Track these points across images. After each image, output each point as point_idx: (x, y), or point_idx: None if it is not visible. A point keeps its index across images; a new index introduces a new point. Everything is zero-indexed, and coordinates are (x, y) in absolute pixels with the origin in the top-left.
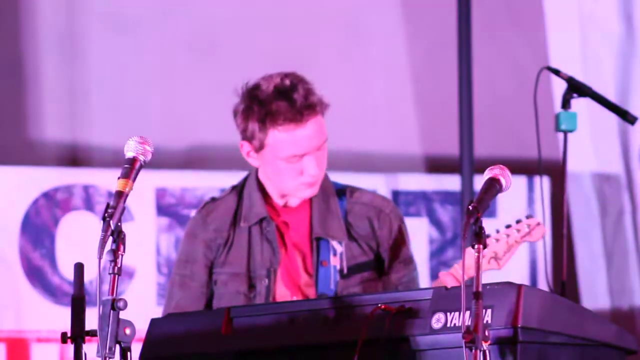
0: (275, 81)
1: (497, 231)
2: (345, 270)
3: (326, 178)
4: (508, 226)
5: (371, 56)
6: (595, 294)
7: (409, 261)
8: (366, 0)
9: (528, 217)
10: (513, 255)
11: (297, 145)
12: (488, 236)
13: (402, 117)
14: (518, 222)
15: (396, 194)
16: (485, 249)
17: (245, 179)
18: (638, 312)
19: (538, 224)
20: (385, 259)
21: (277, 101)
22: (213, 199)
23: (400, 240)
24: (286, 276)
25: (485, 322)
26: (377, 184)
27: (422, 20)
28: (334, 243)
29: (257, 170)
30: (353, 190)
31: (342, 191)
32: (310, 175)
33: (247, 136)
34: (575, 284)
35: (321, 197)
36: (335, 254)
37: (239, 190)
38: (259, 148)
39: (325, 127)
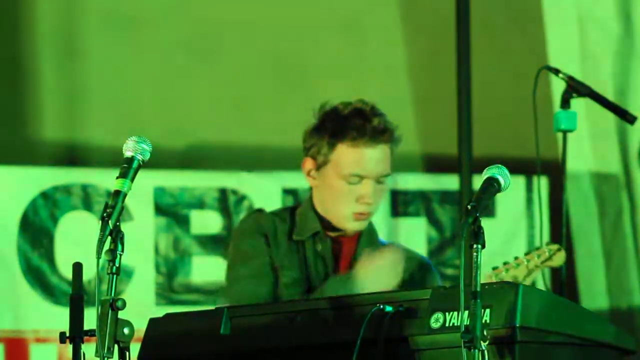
0: (355, 105)
1: (516, 258)
2: None
3: (373, 227)
4: (527, 253)
5: (370, 56)
6: (594, 293)
7: None
8: (365, 0)
9: (548, 243)
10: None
11: (362, 164)
12: (507, 263)
13: (401, 116)
14: (538, 248)
15: (395, 193)
16: (504, 273)
17: (298, 203)
18: (637, 312)
19: (559, 249)
20: None
21: (354, 119)
22: (259, 210)
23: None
24: None
25: (483, 321)
26: None
27: (420, 19)
28: None
29: (311, 196)
30: (393, 245)
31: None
32: (365, 201)
33: (312, 152)
34: (574, 284)
35: (368, 237)
36: None
37: (289, 210)
38: (322, 164)
39: (391, 165)
